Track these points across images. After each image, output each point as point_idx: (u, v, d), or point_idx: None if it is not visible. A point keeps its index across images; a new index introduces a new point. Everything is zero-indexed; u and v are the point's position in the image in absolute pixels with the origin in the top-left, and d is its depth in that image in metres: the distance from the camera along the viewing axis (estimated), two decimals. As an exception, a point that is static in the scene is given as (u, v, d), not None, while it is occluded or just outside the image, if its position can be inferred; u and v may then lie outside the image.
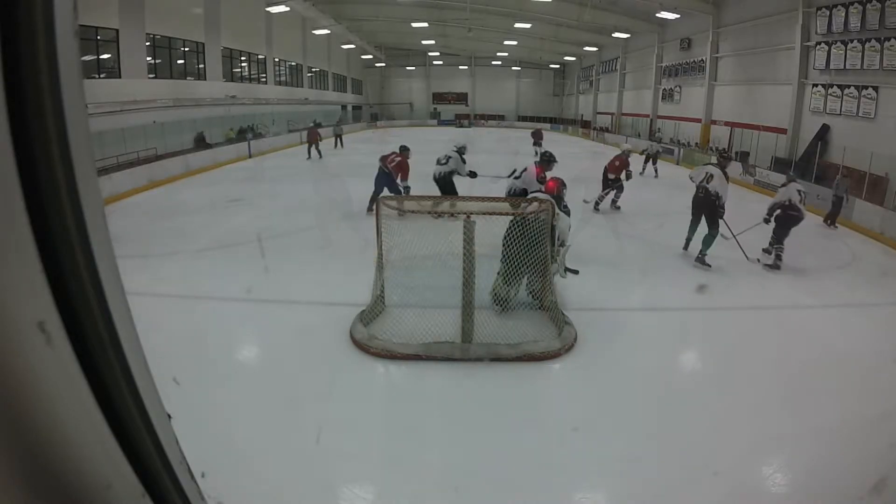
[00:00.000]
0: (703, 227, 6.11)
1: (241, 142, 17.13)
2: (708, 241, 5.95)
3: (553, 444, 2.92)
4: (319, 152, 15.60)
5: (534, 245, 4.05)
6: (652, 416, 3.20)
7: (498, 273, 4.44)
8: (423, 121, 35.97)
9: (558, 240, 4.53)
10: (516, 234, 4.12)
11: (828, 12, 12.34)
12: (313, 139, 15.75)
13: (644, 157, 14.38)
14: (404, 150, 7.90)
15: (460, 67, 37.33)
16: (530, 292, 4.58)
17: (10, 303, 0.41)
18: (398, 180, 7.69)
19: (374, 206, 6.74)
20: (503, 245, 4.23)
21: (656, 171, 14.01)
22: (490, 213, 4.13)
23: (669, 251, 6.67)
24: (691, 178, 6.25)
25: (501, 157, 14.79)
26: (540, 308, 4.47)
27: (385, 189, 7.45)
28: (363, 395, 3.41)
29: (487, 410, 3.19)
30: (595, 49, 27.56)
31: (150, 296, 4.65)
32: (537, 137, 17.97)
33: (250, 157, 16.59)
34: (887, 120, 10.97)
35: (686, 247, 6.41)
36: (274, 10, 19.72)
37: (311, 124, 17.24)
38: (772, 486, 2.69)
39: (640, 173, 13.58)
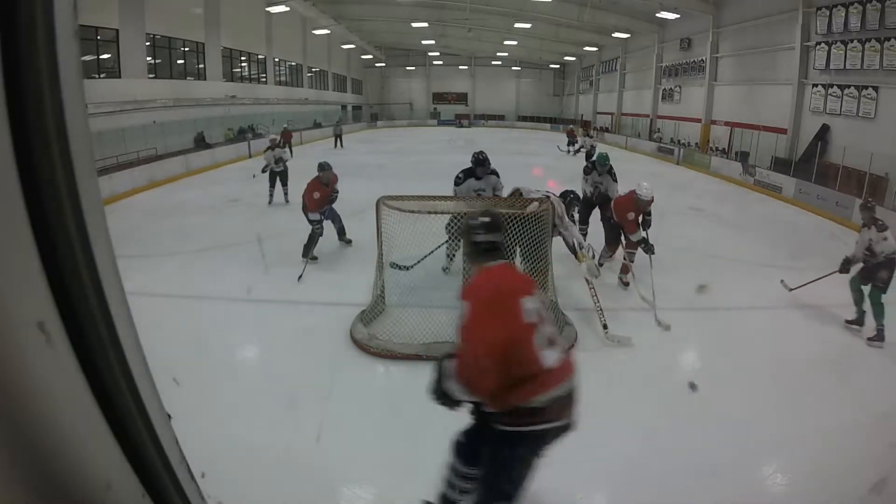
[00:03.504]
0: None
1: (240, 142, 17.15)
2: (878, 310, 4.34)
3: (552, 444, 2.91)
4: (291, 152, 15.98)
5: (533, 245, 4.05)
6: (652, 417, 3.20)
7: None
8: (423, 121, 35.96)
9: (577, 245, 4.56)
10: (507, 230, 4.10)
11: (828, 12, 12.33)
12: (286, 139, 16.18)
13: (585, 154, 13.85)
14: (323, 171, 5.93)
15: (460, 67, 37.31)
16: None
17: (10, 303, 0.41)
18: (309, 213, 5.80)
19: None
20: None
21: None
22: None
23: (669, 250, 6.67)
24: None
25: (507, 159, 14.76)
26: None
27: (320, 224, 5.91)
28: (363, 395, 3.41)
29: (487, 410, 3.19)
30: (595, 49, 27.55)
31: (150, 296, 4.65)
32: (571, 136, 17.90)
33: (250, 157, 16.59)
34: (887, 120, 10.96)
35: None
36: (274, 10, 19.71)
37: (284, 126, 17.80)
38: (772, 487, 2.69)
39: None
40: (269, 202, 9.13)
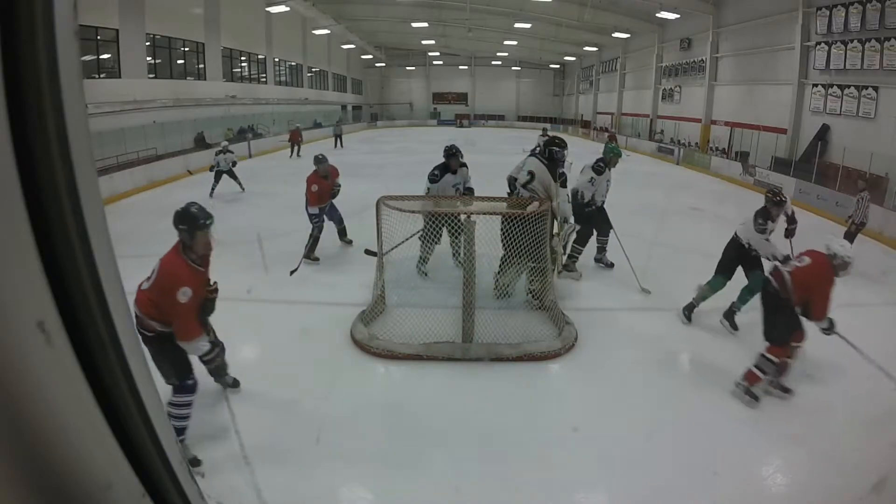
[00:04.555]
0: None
1: (240, 141, 17.15)
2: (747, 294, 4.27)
3: (553, 444, 2.92)
4: (299, 151, 17.05)
5: (534, 244, 4.05)
6: (652, 416, 3.20)
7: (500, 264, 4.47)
8: (423, 121, 35.97)
9: (561, 219, 4.52)
10: (508, 229, 4.08)
11: (828, 12, 12.33)
12: (294, 139, 17.24)
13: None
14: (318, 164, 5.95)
15: (460, 67, 37.30)
16: (530, 292, 4.58)
17: (10, 303, 0.41)
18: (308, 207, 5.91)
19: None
20: (502, 240, 4.19)
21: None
22: (491, 214, 4.13)
23: (670, 250, 6.67)
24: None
25: (506, 158, 14.73)
26: (540, 308, 4.47)
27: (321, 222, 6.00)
28: (363, 395, 3.41)
29: (488, 410, 3.19)
30: (595, 49, 27.53)
31: (150, 296, 4.63)
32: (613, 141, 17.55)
33: (250, 156, 16.60)
34: (887, 120, 10.97)
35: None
36: (274, 10, 19.70)
37: (295, 126, 18.41)
38: (772, 486, 2.69)
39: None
40: (211, 195, 9.62)
